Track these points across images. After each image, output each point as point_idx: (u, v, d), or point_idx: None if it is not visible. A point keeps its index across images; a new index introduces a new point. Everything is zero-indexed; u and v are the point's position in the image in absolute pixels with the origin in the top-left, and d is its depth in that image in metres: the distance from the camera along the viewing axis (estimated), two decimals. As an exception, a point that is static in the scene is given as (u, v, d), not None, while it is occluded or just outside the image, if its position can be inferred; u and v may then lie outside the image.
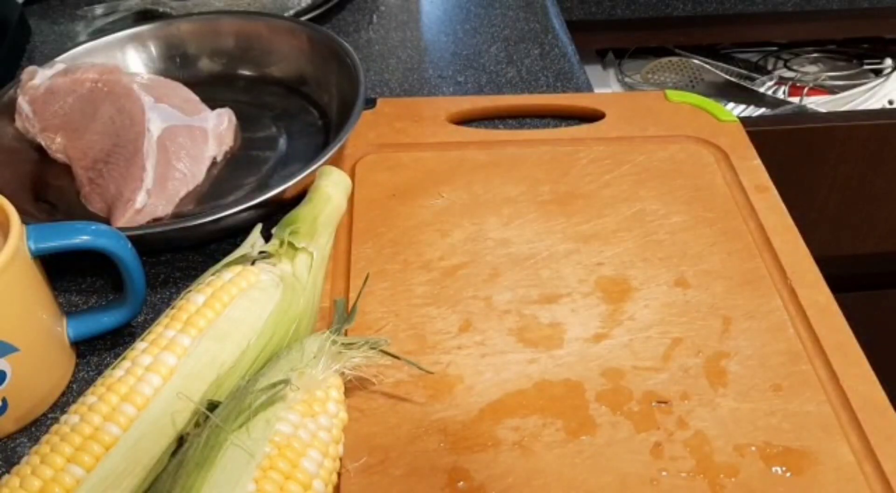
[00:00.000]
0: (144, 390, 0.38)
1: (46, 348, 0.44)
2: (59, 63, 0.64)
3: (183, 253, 0.54)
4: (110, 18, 0.81)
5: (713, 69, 1.14)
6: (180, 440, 0.38)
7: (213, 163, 0.60)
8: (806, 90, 1.13)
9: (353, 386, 0.43)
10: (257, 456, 0.34)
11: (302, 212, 0.48)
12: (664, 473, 0.39)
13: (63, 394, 0.45)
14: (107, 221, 0.54)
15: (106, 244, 0.43)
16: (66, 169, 0.60)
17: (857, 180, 1.01)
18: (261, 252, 0.46)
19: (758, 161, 0.59)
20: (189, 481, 0.33)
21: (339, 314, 0.46)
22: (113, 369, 0.40)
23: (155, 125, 0.57)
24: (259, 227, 0.47)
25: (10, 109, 0.61)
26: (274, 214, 0.51)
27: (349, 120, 0.57)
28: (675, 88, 1.11)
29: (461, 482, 0.39)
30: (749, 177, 0.58)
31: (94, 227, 0.44)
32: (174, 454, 0.38)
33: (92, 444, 0.36)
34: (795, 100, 1.12)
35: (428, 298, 0.49)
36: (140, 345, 0.40)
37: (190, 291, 0.43)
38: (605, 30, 1.06)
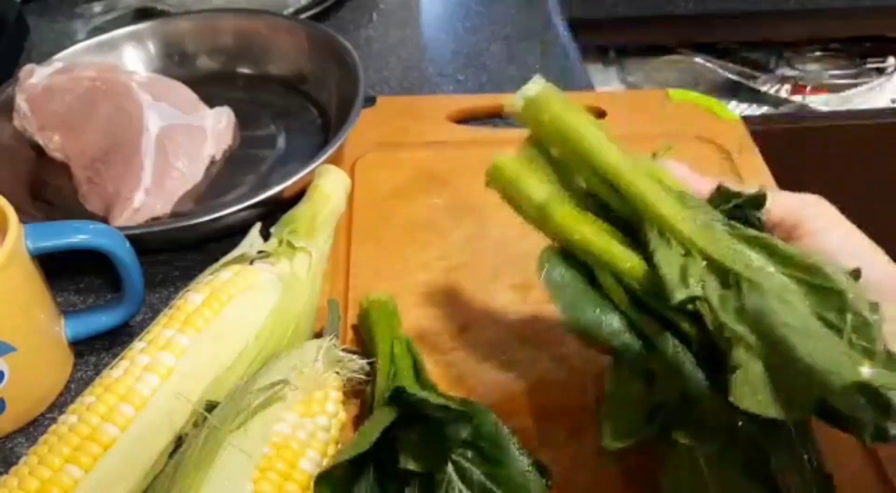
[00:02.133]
0: (142, 390, 0.38)
1: (44, 348, 0.44)
2: (58, 61, 0.64)
3: (181, 252, 0.54)
4: (109, 16, 0.81)
5: (715, 68, 1.13)
6: (178, 441, 0.38)
7: (212, 162, 0.60)
8: (808, 89, 1.12)
9: (353, 385, 0.42)
10: (255, 457, 0.34)
11: (301, 211, 0.47)
12: None
13: (61, 394, 0.45)
14: (105, 220, 0.54)
15: (104, 244, 0.43)
16: (64, 168, 0.59)
17: (858, 179, 1.01)
18: (259, 251, 0.46)
19: (760, 160, 0.59)
20: (187, 481, 0.33)
21: (333, 317, 0.45)
22: (111, 369, 0.39)
23: (153, 124, 0.57)
24: (258, 226, 0.47)
25: (7, 108, 0.61)
26: (273, 213, 0.50)
27: (348, 118, 0.56)
28: (677, 86, 1.10)
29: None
30: (751, 176, 0.57)
31: (92, 226, 0.44)
32: (172, 454, 0.38)
33: (90, 444, 0.36)
34: (798, 98, 1.11)
35: (427, 298, 0.49)
36: (138, 345, 0.40)
37: (188, 290, 0.43)
38: (607, 28, 1.06)
